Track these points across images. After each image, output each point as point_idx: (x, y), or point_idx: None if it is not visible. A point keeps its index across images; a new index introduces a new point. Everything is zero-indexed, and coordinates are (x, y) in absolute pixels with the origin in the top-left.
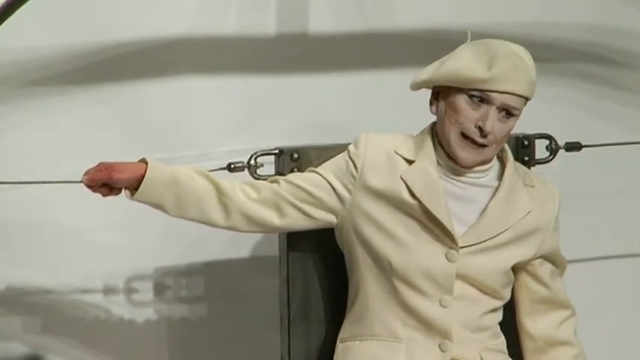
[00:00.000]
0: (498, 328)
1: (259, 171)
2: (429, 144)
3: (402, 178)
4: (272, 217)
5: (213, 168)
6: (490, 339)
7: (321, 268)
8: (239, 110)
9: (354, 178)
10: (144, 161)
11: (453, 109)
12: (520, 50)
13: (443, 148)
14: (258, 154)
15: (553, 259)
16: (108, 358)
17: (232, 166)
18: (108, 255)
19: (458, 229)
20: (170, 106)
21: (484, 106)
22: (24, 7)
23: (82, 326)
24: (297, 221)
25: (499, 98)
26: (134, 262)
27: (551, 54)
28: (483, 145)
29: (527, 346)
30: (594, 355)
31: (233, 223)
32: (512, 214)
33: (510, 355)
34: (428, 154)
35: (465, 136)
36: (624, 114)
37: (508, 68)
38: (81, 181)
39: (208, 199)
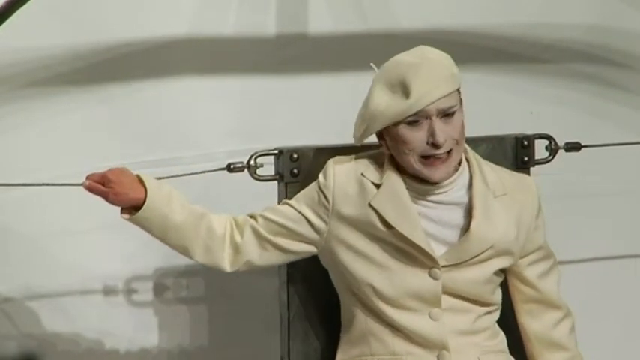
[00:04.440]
0: (496, 326)
1: (259, 171)
2: (391, 168)
3: (371, 206)
4: (253, 258)
5: (213, 168)
6: (488, 340)
7: (320, 269)
8: (239, 111)
9: (327, 209)
10: (143, 185)
11: (400, 142)
12: (423, 51)
13: (406, 171)
14: (258, 154)
15: (540, 257)
16: (108, 359)
17: (232, 166)
18: (108, 255)
19: (436, 249)
20: (170, 107)
21: (424, 123)
22: (24, 7)
23: (81, 327)
24: (277, 257)
25: (432, 109)
26: (134, 262)
27: (551, 55)
28: (447, 154)
29: (527, 346)
30: (595, 356)
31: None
32: (492, 234)
33: (512, 352)
34: (392, 176)
35: (424, 157)
36: (624, 114)
37: (423, 81)
38: (81, 184)
39: (195, 248)
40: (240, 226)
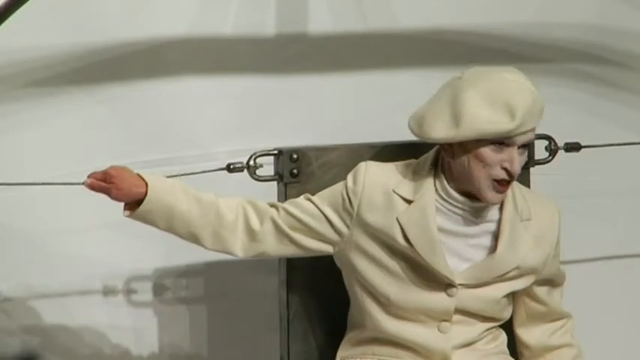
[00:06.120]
0: (498, 329)
1: (258, 172)
2: (429, 179)
3: (397, 221)
4: (268, 250)
5: (213, 168)
6: (488, 344)
7: (320, 268)
8: (238, 110)
9: (350, 215)
10: (144, 180)
11: (478, 159)
12: (522, 78)
13: (449, 181)
14: (258, 154)
15: (552, 280)
16: (107, 359)
17: (232, 166)
18: (107, 255)
19: (457, 266)
20: (170, 106)
21: (507, 149)
22: (24, 7)
23: (81, 327)
24: (292, 251)
25: (522, 138)
26: (134, 262)
27: (551, 54)
28: (509, 182)
29: (524, 355)
30: (595, 355)
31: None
32: (515, 258)
33: (512, 353)
34: (427, 192)
35: (495, 180)
36: (624, 114)
37: (527, 109)
38: (82, 183)
39: (205, 236)
40: (260, 213)
